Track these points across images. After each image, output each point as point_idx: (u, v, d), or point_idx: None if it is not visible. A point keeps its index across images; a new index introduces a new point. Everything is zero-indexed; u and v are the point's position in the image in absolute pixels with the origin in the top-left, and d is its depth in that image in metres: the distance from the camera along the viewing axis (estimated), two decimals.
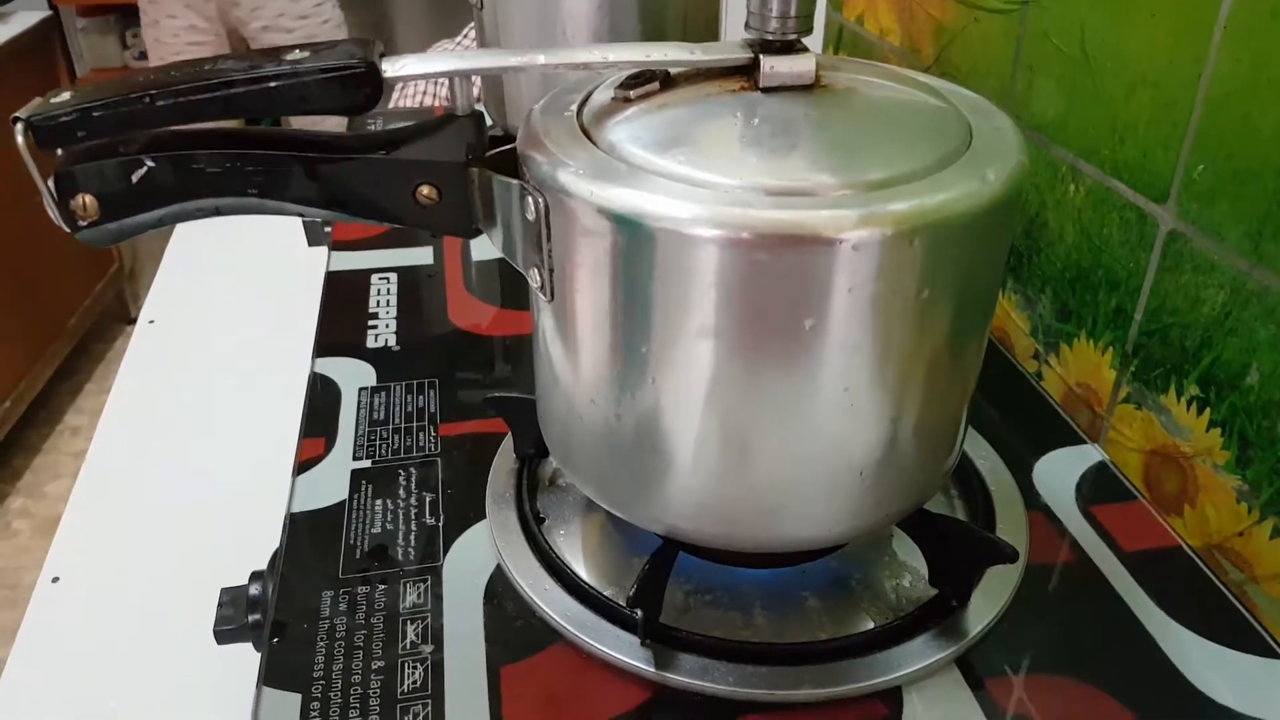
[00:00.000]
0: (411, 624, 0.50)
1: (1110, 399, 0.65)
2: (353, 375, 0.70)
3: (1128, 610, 0.52)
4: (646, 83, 0.45)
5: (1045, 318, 0.72)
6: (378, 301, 0.79)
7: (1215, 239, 0.56)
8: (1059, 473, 0.61)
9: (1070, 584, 0.53)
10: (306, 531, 0.56)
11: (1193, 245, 0.57)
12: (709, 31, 0.92)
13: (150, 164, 0.41)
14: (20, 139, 0.38)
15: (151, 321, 1.18)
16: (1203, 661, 0.49)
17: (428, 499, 0.58)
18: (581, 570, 0.53)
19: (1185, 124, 0.57)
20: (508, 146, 0.45)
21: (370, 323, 0.76)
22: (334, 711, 0.46)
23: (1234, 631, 0.51)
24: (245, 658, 0.52)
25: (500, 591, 0.52)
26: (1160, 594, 0.53)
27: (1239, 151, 0.54)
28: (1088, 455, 0.63)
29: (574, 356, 0.46)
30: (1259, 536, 0.55)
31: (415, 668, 0.48)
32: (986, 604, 0.50)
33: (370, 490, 0.59)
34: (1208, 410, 0.58)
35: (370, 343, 0.73)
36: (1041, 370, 0.73)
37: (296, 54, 0.40)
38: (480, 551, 0.55)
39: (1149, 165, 0.60)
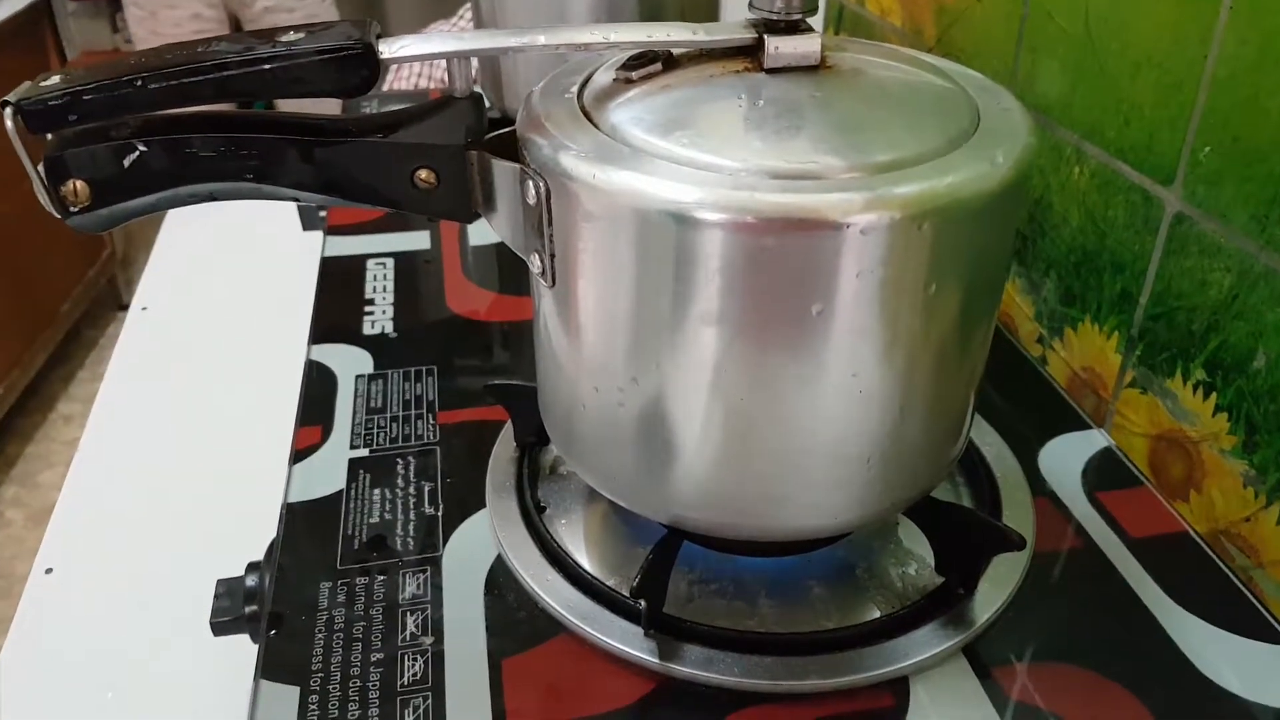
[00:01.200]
0: (411, 615, 0.49)
1: (1115, 383, 0.65)
2: (349, 362, 0.69)
3: (1134, 597, 0.51)
4: (648, 64, 0.44)
5: (1050, 301, 0.71)
6: (374, 287, 0.78)
7: (1222, 221, 0.55)
8: (1064, 458, 0.61)
9: (1077, 571, 0.53)
10: (303, 522, 0.55)
11: (1199, 228, 0.57)
12: (708, 11, 0.91)
13: (142, 148, 0.40)
14: (9, 123, 0.37)
15: (145, 308, 1.17)
16: (1209, 648, 0.49)
17: (427, 488, 0.57)
18: (584, 560, 0.52)
19: (1191, 105, 0.56)
20: (507, 129, 0.44)
21: (367, 309, 0.75)
22: (333, 704, 0.45)
23: (1240, 618, 0.50)
24: (242, 650, 0.52)
25: (501, 582, 0.52)
26: (1167, 580, 0.52)
27: (1246, 133, 0.53)
28: (1093, 440, 0.62)
29: (576, 343, 0.45)
30: (1266, 522, 0.54)
31: (415, 660, 0.47)
32: (993, 592, 0.50)
33: (368, 479, 0.58)
34: (1214, 394, 0.57)
35: (367, 329, 0.73)
36: (1046, 355, 0.73)
37: (291, 35, 0.39)
38: (480, 541, 0.54)
39: (1154, 147, 0.59)
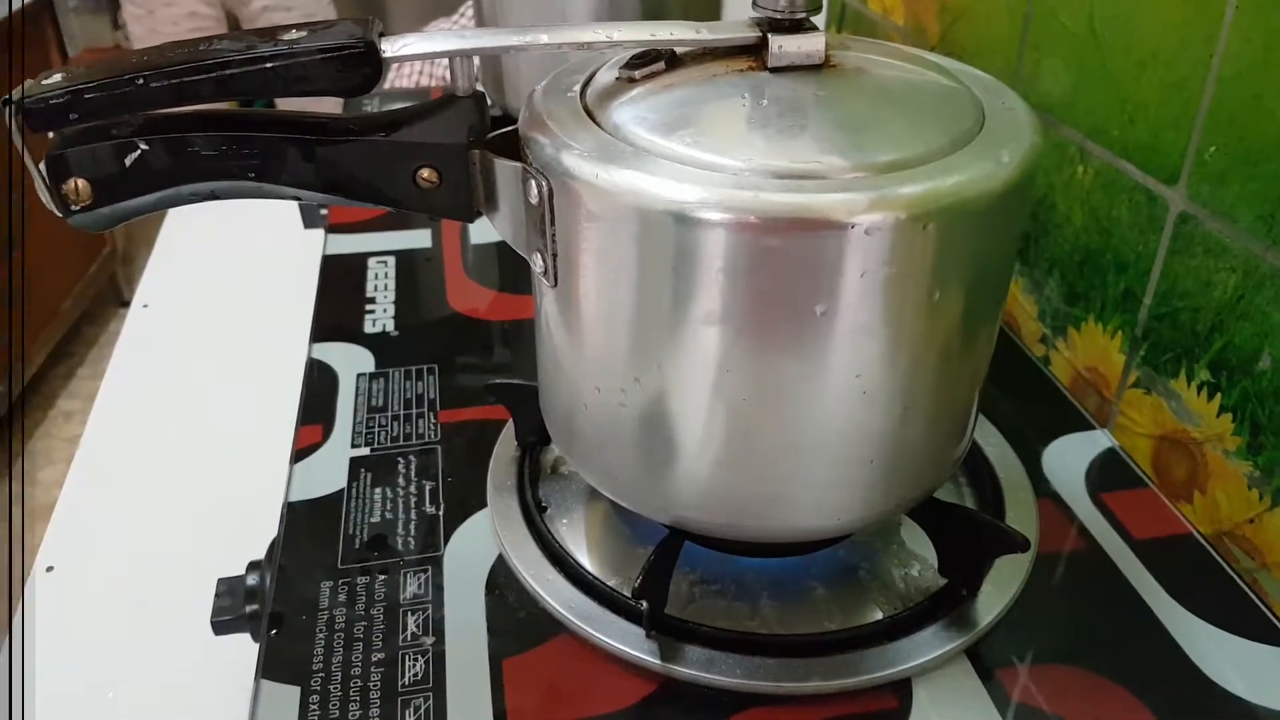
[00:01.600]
0: (412, 615, 0.49)
1: (1119, 384, 0.65)
2: (350, 361, 0.69)
3: (1138, 599, 0.51)
4: (651, 63, 0.43)
5: (1053, 301, 0.71)
6: (375, 285, 0.78)
7: (1227, 221, 0.55)
8: (1068, 459, 0.60)
9: (1080, 572, 0.53)
10: (304, 521, 0.55)
11: (1204, 228, 0.56)
12: (711, 10, 0.91)
13: (144, 147, 0.40)
14: (11, 121, 0.37)
15: (145, 305, 1.17)
16: (1213, 650, 0.49)
17: (428, 487, 0.57)
18: (585, 560, 0.52)
19: (1196, 104, 0.56)
20: (509, 128, 0.44)
21: (368, 307, 0.75)
22: (334, 705, 0.45)
23: (1244, 620, 0.50)
24: (243, 649, 0.52)
25: (502, 582, 0.51)
26: (1171, 582, 0.52)
27: (1251, 132, 0.53)
28: (1097, 441, 0.62)
29: (578, 343, 0.45)
30: (1270, 524, 0.54)
31: (416, 660, 0.47)
32: (996, 593, 0.50)
33: (369, 478, 0.58)
34: (1218, 395, 0.57)
35: (368, 328, 0.73)
36: (1049, 355, 0.72)
37: (293, 34, 0.39)
38: (481, 541, 0.54)
39: (1159, 146, 0.59)
